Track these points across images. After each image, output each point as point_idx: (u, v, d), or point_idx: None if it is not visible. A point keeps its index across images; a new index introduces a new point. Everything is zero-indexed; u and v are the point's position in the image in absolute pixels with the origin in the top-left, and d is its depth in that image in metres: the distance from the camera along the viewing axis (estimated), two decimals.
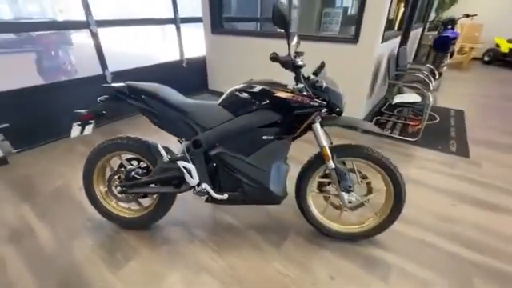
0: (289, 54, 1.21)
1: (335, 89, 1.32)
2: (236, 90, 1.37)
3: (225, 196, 1.46)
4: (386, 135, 2.92)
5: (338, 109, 1.34)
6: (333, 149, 1.42)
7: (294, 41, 1.26)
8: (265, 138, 1.37)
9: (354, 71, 2.80)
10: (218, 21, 3.86)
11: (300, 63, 1.22)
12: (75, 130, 1.50)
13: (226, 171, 1.43)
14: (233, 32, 3.78)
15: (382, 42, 2.76)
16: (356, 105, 2.94)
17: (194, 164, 1.42)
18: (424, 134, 2.84)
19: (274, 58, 1.17)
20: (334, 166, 1.38)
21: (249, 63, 3.67)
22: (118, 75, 3.22)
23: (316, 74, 1.33)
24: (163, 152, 1.44)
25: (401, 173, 1.39)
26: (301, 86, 1.29)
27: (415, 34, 5.19)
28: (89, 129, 1.56)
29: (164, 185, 1.51)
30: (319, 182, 1.58)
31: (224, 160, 1.41)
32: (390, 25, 3.68)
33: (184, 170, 1.41)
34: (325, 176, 1.54)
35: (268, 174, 1.40)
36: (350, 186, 1.41)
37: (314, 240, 1.61)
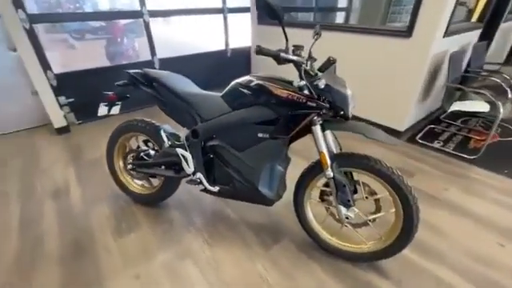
0: (286, 48, 1.11)
1: (341, 89, 1.15)
2: (237, 84, 1.32)
3: (216, 188, 1.46)
4: (411, 145, 2.49)
5: (342, 112, 1.18)
6: (335, 156, 1.27)
7: (314, 32, 1.16)
8: (260, 135, 1.30)
9: (403, 70, 2.42)
10: None
11: (293, 58, 1.10)
12: (102, 110, 1.68)
13: (220, 164, 1.42)
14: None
15: (444, 36, 2.30)
16: (401, 109, 2.55)
17: (190, 153, 1.45)
18: (487, 152, 2.31)
19: (258, 51, 1.08)
20: (331, 175, 1.24)
21: None
22: (165, 62, 3.49)
23: (321, 70, 1.19)
24: (165, 137, 1.51)
25: (415, 195, 1.16)
26: (302, 83, 1.17)
27: (509, 27, 4.17)
28: (116, 109, 1.73)
29: (166, 169, 1.59)
30: (322, 191, 1.44)
31: (218, 152, 1.40)
32: (466, 15, 3.04)
33: (182, 158, 1.45)
34: (327, 185, 1.39)
35: (258, 173, 1.34)
36: (348, 200, 1.25)
37: (306, 250, 1.49)
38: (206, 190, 1.52)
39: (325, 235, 1.46)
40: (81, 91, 3.00)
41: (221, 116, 1.35)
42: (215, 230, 1.64)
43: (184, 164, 1.46)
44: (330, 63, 1.19)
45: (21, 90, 2.81)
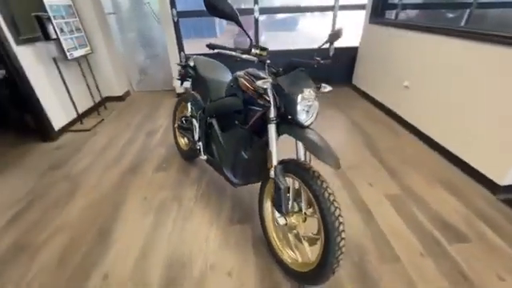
0: (250, 46, 1.20)
1: (292, 93, 1.12)
2: (233, 75, 1.53)
3: (205, 157, 1.77)
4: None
5: (290, 116, 1.16)
6: (284, 160, 1.26)
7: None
8: (235, 122, 1.47)
9: None
10: (380, 7, 3.37)
11: (246, 57, 1.18)
12: (177, 82, 2.32)
13: (211, 138, 1.71)
14: (393, 23, 3.18)
15: None
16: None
17: (199, 125, 1.81)
18: None
19: (208, 45, 1.22)
20: (273, 176, 1.25)
21: (405, 64, 2.83)
22: (273, 54, 3.93)
23: (284, 71, 1.20)
24: (189, 108, 1.95)
25: (339, 216, 1.02)
26: (266, 80, 1.24)
27: None
28: (187, 84, 2.34)
29: (188, 132, 2.05)
30: None
31: (212, 129, 1.69)
32: None
33: (194, 127, 1.85)
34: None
35: (226, 154, 1.52)
36: (280, 206, 1.23)
37: (256, 242, 1.55)
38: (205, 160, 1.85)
39: (273, 235, 1.46)
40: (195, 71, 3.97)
41: (217, 100, 1.62)
42: (208, 194, 1.95)
43: (194, 132, 1.86)
44: (291, 67, 1.18)
45: (165, 62, 4.10)
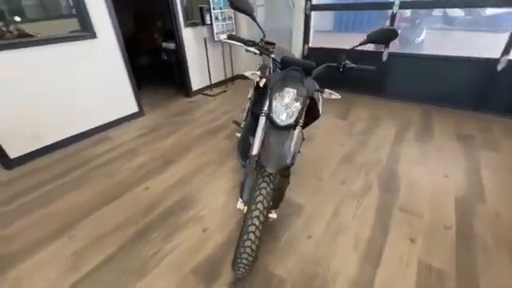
0: (261, 40, 1.27)
1: (273, 88, 1.13)
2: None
3: None
4: None
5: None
6: None
7: None
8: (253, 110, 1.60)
9: None
10: None
11: (253, 50, 1.24)
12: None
13: None
14: None
15: None
16: None
17: None
18: None
19: (229, 36, 1.33)
20: (245, 163, 1.33)
21: None
22: (394, 56, 3.35)
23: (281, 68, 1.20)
24: (251, 90, 2.18)
25: (256, 219, 1.02)
26: (253, 72, 1.29)
27: None
28: None
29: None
30: None
31: None
32: None
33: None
34: None
35: (241, 137, 1.68)
36: (241, 192, 1.30)
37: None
38: None
39: None
40: (316, 64, 3.99)
41: None
42: (237, 169, 2.20)
43: None
44: (285, 64, 1.15)
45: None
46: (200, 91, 4.06)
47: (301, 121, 1.29)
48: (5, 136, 2.24)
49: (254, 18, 1.29)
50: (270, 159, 1.05)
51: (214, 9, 3.61)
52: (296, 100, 1.13)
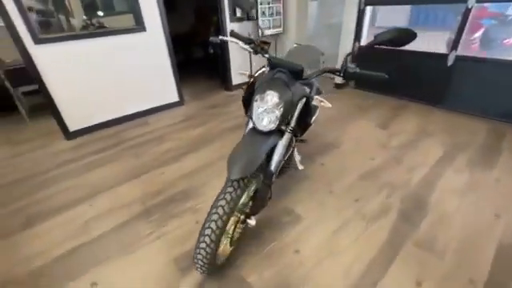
0: (256, 39, 1.20)
1: (256, 90, 1.06)
2: None
3: None
4: None
5: None
6: None
7: None
8: None
9: None
10: None
11: (246, 47, 1.18)
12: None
13: None
14: None
15: None
16: None
17: None
18: None
19: (231, 32, 1.27)
20: None
21: None
22: (463, 60, 2.77)
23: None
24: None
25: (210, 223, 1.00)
26: (242, 72, 1.24)
27: None
28: None
29: None
30: None
31: None
32: None
33: None
34: None
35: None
36: None
37: None
38: None
39: None
40: (368, 64, 3.60)
41: None
42: None
43: None
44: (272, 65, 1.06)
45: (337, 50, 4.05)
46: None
47: (289, 127, 1.19)
48: (68, 112, 2.70)
49: (249, 17, 1.25)
50: (233, 165, 1.00)
51: (261, 3, 3.59)
52: (277, 104, 1.03)
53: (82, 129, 2.84)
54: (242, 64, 3.96)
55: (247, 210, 1.24)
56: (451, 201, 1.75)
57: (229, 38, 1.40)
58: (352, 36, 3.57)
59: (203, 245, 1.02)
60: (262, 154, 1.06)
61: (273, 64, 1.10)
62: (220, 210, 1.00)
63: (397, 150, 2.33)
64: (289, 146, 1.20)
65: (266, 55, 1.22)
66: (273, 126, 1.07)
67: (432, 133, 2.57)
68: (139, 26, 2.83)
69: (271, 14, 3.80)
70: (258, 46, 1.26)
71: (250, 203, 1.25)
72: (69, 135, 2.76)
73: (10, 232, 1.70)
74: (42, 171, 2.31)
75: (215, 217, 1.00)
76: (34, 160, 2.49)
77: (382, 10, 6.08)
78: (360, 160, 2.21)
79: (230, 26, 3.59)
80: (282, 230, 1.59)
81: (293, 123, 1.18)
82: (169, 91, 3.36)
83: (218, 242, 1.02)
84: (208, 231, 1.00)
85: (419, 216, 1.65)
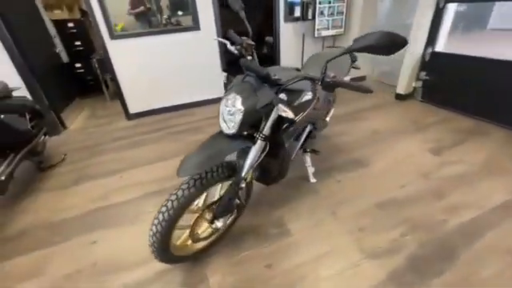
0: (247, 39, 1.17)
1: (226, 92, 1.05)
2: None
3: None
4: None
5: None
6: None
7: None
8: None
9: None
10: None
11: (232, 50, 1.17)
12: None
13: None
14: None
15: None
16: None
17: None
18: None
19: (226, 32, 1.24)
20: None
21: None
22: None
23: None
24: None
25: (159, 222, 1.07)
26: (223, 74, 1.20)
27: None
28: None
29: None
30: None
31: None
32: None
33: None
34: None
35: None
36: None
37: None
38: None
39: None
40: (441, 74, 2.99)
41: None
42: None
43: None
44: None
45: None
46: None
47: (261, 134, 1.12)
48: (130, 97, 3.22)
49: (243, 17, 1.22)
50: (182, 164, 1.02)
51: (320, 3, 3.40)
52: (239, 109, 0.99)
53: (140, 112, 3.33)
54: (295, 64, 3.87)
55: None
56: (494, 264, 1.32)
57: (219, 39, 1.41)
58: (423, 39, 3.02)
59: (151, 232, 1.09)
60: (218, 157, 1.05)
61: (243, 66, 1.06)
62: (169, 204, 1.05)
63: (441, 182, 1.89)
64: (262, 152, 1.14)
65: (249, 57, 1.18)
66: (233, 131, 1.04)
67: (506, 170, 1.97)
68: (195, 25, 3.10)
69: (331, 14, 3.56)
70: (243, 47, 1.24)
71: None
72: (129, 116, 3.29)
73: (62, 186, 2.17)
74: (101, 142, 2.84)
75: (163, 209, 1.05)
76: (101, 132, 3.08)
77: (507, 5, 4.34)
78: (386, 185, 1.89)
79: (284, 25, 3.54)
80: (264, 241, 1.53)
81: (265, 130, 1.11)
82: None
83: (166, 233, 1.07)
84: (156, 221, 1.06)
85: (437, 270, 1.31)
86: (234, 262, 1.42)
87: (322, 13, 3.49)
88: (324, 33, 3.62)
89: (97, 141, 2.90)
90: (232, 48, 1.32)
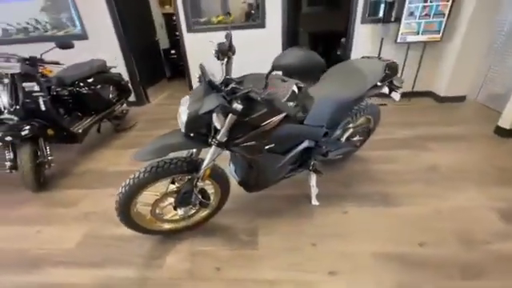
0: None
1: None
2: None
3: None
4: None
5: None
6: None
7: None
8: None
9: None
10: None
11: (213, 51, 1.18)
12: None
13: None
14: None
15: None
16: None
17: None
18: None
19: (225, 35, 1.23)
20: None
21: None
22: None
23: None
24: None
25: None
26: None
27: None
28: (395, 95, 1.90)
29: None
30: None
31: None
32: None
33: None
34: None
35: None
36: None
37: None
38: None
39: None
40: None
41: None
42: None
43: None
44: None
45: None
46: None
47: (214, 139, 1.12)
48: (194, 80, 3.65)
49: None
50: (142, 149, 1.14)
51: (410, 2, 2.84)
52: (184, 111, 1.02)
53: None
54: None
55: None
56: None
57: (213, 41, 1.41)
58: None
59: (116, 198, 1.27)
60: (165, 151, 1.12)
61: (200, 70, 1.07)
62: (127, 181, 1.21)
63: (487, 258, 1.35)
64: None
65: (224, 61, 1.16)
66: (183, 131, 1.09)
67: None
68: (260, 22, 3.18)
69: (425, 15, 2.91)
70: (220, 51, 1.20)
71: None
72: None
73: (124, 147, 2.73)
74: (167, 118, 3.35)
75: (123, 183, 1.22)
76: (171, 110, 3.64)
77: None
78: (404, 236, 1.51)
79: (360, 27, 3.15)
80: (228, 244, 1.53)
81: (220, 137, 1.10)
82: None
83: (125, 203, 1.24)
84: (117, 191, 1.25)
85: None
86: (193, 252, 1.49)
87: (411, 14, 2.91)
88: (411, 38, 3.02)
89: (163, 116, 3.46)
90: (213, 51, 1.33)
